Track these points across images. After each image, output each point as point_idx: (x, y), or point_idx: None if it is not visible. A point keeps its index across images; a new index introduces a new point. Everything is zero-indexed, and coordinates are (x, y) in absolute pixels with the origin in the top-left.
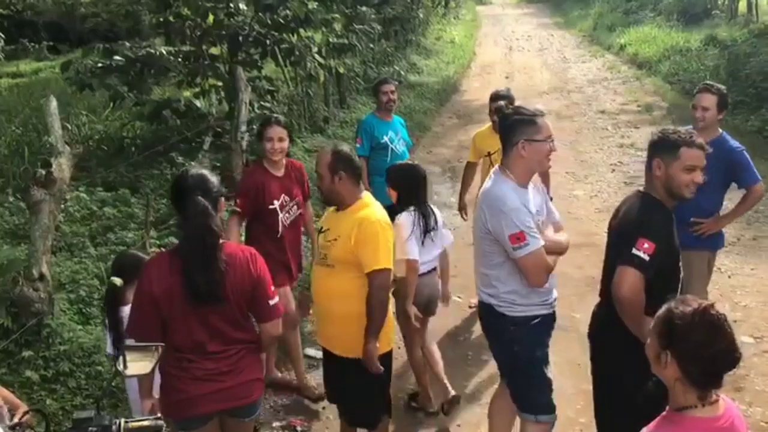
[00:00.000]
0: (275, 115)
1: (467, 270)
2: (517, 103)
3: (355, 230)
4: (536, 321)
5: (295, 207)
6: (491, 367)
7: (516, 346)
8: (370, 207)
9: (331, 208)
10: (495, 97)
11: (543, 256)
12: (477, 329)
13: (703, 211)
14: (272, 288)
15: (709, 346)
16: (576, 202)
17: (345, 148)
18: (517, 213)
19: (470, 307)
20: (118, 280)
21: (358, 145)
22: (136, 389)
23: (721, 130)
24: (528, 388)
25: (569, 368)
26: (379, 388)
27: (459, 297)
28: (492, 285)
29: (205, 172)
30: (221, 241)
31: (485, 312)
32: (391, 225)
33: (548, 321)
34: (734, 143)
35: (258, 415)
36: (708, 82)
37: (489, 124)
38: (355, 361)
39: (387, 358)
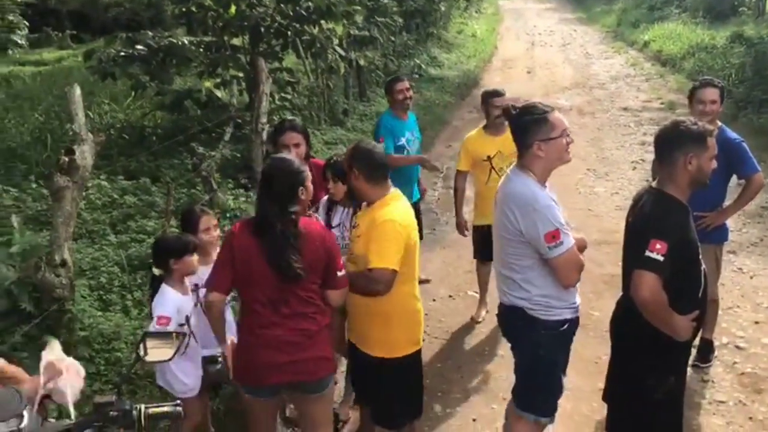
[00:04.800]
0: (290, 118)
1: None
2: (537, 99)
3: (370, 228)
4: (565, 326)
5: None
6: (507, 363)
7: (542, 350)
8: (389, 205)
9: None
10: (489, 94)
11: (576, 253)
12: (492, 322)
13: (707, 204)
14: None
15: None
16: (596, 199)
17: (365, 144)
18: (551, 210)
19: (474, 320)
20: (157, 270)
21: (381, 145)
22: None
23: (720, 123)
24: (540, 391)
25: (586, 366)
26: (414, 390)
27: (476, 292)
28: (523, 288)
29: None
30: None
31: (511, 315)
32: (410, 225)
33: (574, 326)
34: (733, 135)
35: (329, 391)
36: (707, 77)
37: (479, 127)
38: (392, 362)
39: (416, 357)
